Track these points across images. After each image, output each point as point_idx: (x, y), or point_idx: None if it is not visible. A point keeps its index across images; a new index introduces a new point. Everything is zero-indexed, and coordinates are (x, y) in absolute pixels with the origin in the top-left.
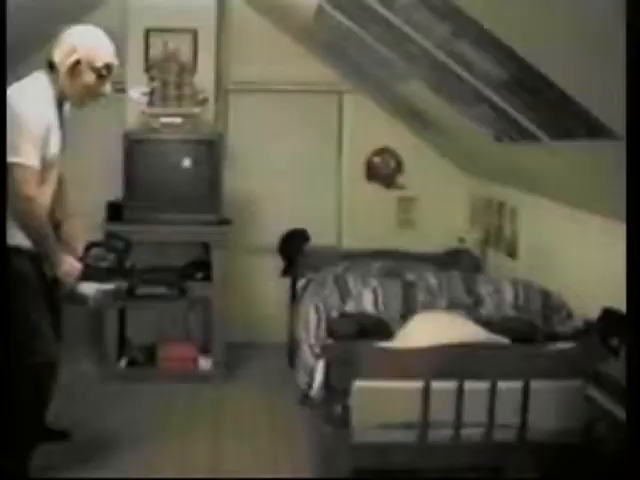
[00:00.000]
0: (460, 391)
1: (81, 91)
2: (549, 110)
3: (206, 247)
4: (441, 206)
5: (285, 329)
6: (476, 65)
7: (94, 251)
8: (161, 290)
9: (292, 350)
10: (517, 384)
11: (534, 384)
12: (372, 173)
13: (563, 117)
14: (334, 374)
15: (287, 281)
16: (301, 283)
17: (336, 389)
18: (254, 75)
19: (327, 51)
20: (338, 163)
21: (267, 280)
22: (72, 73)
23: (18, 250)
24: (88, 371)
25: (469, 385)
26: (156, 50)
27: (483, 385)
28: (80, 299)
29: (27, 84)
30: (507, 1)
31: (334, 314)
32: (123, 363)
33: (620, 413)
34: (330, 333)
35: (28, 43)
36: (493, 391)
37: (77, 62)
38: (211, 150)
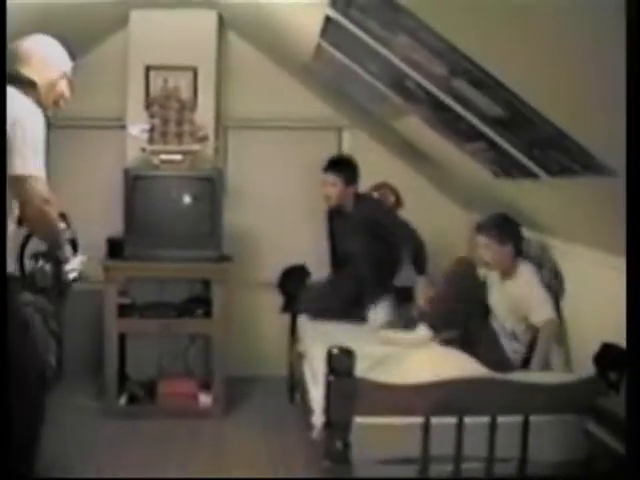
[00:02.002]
0: (460, 426)
1: (55, 100)
2: (546, 147)
3: (206, 283)
4: (439, 241)
5: (285, 364)
6: (473, 102)
7: None
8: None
9: (292, 385)
10: (517, 418)
11: (534, 418)
12: None
13: (560, 154)
14: (334, 410)
15: (287, 316)
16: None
17: (336, 425)
18: (254, 112)
19: (326, 88)
20: None
21: (267, 316)
22: (51, 86)
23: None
24: (88, 406)
25: (469, 420)
26: (156, 87)
27: (483, 420)
28: (69, 281)
29: (18, 96)
30: (504, 40)
31: (334, 350)
32: (123, 399)
33: (620, 448)
34: (330, 369)
35: None
36: (493, 425)
37: (59, 76)
38: (211, 186)
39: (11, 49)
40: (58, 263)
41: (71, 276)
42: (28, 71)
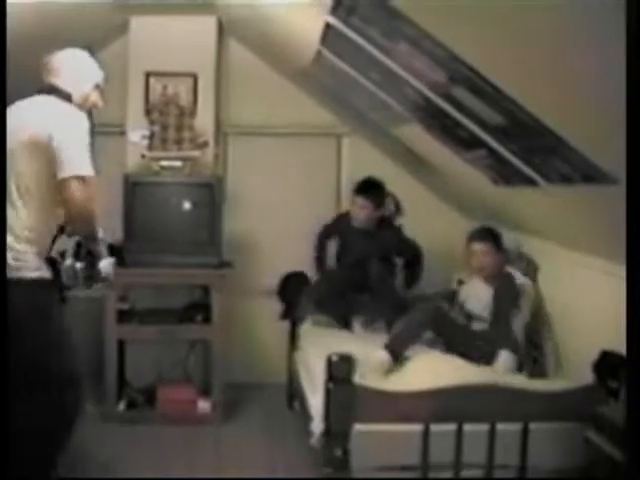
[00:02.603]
0: (460, 433)
1: (89, 110)
2: (545, 155)
3: (206, 289)
4: (440, 248)
5: (284, 371)
6: (473, 110)
7: None
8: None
9: (291, 392)
10: (516, 426)
11: (533, 426)
12: None
13: (559, 162)
14: (334, 417)
15: (287, 323)
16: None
17: (336, 432)
18: (253, 118)
19: (326, 94)
20: (337, 205)
21: (267, 322)
22: (85, 97)
23: (42, 282)
24: (87, 412)
25: (468, 427)
26: (156, 93)
27: (482, 427)
28: (102, 279)
29: (60, 102)
30: (503, 48)
31: (334, 357)
32: (122, 405)
33: (619, 456)
34: (330, 376)
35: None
36: (492, 433)
37: (92, 88)
38: (211, 193)
39: (44, 62)
40: (91, 261)
41: (103, 274)
42: (62, 83)
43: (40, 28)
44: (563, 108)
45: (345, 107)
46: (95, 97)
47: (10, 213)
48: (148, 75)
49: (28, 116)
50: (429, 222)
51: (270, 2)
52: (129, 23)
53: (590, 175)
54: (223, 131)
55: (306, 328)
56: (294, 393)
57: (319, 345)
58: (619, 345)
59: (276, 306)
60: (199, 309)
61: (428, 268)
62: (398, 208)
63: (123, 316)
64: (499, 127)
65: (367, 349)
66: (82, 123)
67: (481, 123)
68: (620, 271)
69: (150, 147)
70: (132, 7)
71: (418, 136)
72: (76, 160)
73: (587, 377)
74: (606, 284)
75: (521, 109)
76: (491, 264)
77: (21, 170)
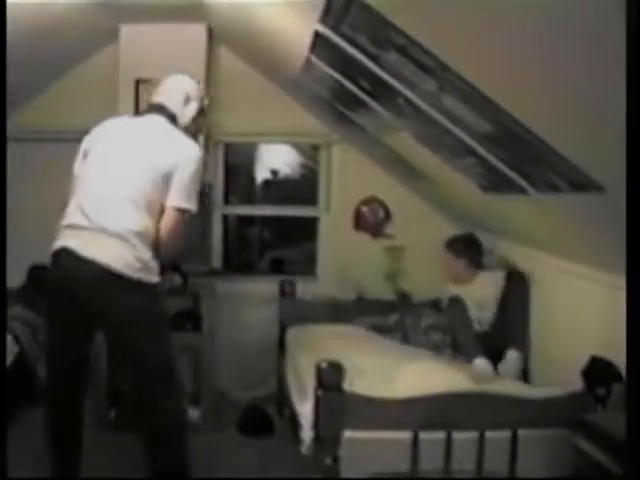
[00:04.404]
0: (449, 440)
1: (194, 134)
2: (534, 163)
3: (196, 297)
4: (429, 255)
5: (274, 378)
6: (462, 118)
7: None
8: None
9: (281, 399)
10: (505, 433)
11: (522, 433)
12: (360, 222)
13: (548, 170)
14: (323, 424)
15: (276, 330)
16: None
17: (326, 439)
18: (243, 125)
19: (315, 102)
20: (326, 212)
21: (256, 329)
22: (192, 120)
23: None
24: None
25: (457, 434)
26: (146, 101)
27: (472, 434)
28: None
29: (183, 137)
30: (492, 57)
31: (323, 364)
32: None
33: (606, 462)
34: (319, 383)
35: (21, 92)
36: (481, 440)
37: (200, 112)
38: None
39: (155, 81)
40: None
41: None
42: (170, 104)
43: (31, 35)
44: (552, 117)
45: (334, 114)
46: (201, 123)
47: (141, 221)
48: (138, 82)
49: (155, 141)
50: (418, 229)
51: (260, 10)
52: (119, 30)
53: (578, 183)
54: (213, 138)
55: (295, 334)
56: (284, 400)
57: (308, 351)
58: (607, 352)
59: (266, 312)
60: (189, 317)
61: (417, 274)
62: (387, 214)
63: None
64: (488, 135)
65: (357, 355)
66: (201, 163)
67: (470, 131)
68: (607, 278)
69: None
70: (122, 14)
71: (408, 144)
72: (186, 194)
73: (576, 384)
74: (594, 291)
75: (510, 117)
76: (457, 270)
77: (148, 188)
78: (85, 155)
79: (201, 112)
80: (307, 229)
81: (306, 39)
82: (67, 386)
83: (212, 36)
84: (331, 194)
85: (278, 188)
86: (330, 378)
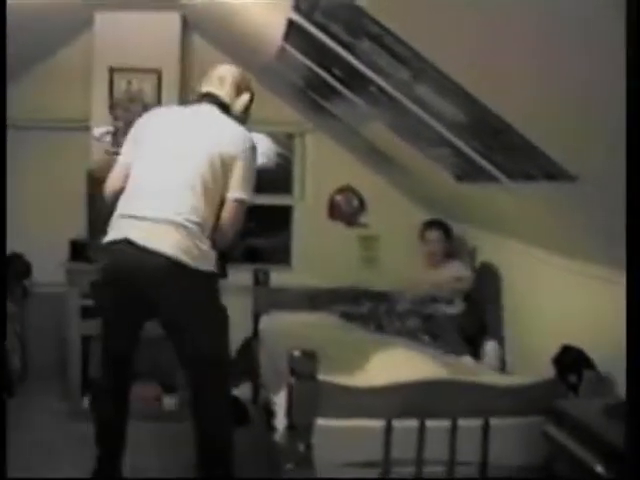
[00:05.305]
0: (422, 429)
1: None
2: (507, 152)
3: None
4: (403, 244)
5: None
6: (436, 108)
7: None
8: None
9: (256, 386)
10: (478, 421)
11: (494, 421)
12: (335, 211)
13: (520, 159)
14: (296, 412)
15: (250, 318)
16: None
17: (299, 427)
18: None
19: (290, 90)
20: (301, 201)
21: (231, 318)
22: (245, 110)
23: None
24: (52, 408)
25: (430, 423)
26: (120, 89)
27: (444, 423)
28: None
29: (244, 131)
30: (466, 46)
31: (296, 353)
32: (87, 401)
33: (577, 449)
34: (292, 371)
35: None
36: (454, 428)
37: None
38: None
39: (210, 72)
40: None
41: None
42: (224, 95)
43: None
44: (525, 106)
45: (309, 104)
46: (249, 113)
47: (201, 210)
48: (112, 71)
49: (211, 129)
50: (392, 218)
51: None
52: (94, 19)
53: (551, 172)
54: None
55: (268, 323)
56: (259, 387)
57: (282, 339)
58: (579, 340)
59: (240, 301)
60: None
61: (391, 262)
62: (362, 203)
63: (87, 312)
64: (462, 125)
65: (330, 343)
66: (256, 152)
67: (444, 121)
68: (580, 267)
69: (114, 143)
70: (97, 3)
71: (382, 133)
72: (246, 185)
73: (548, 372)
74: (566, 280)
75: (483, 107)
76: (440, 250)
77: (207, 178)
78: (136, 141)
79: (251, 102)
80: (282, 218)
81: (280, 27)
82: (117, 378)
83: (186, 24)
84: (305, 183)
85: None
86: (303, 366)
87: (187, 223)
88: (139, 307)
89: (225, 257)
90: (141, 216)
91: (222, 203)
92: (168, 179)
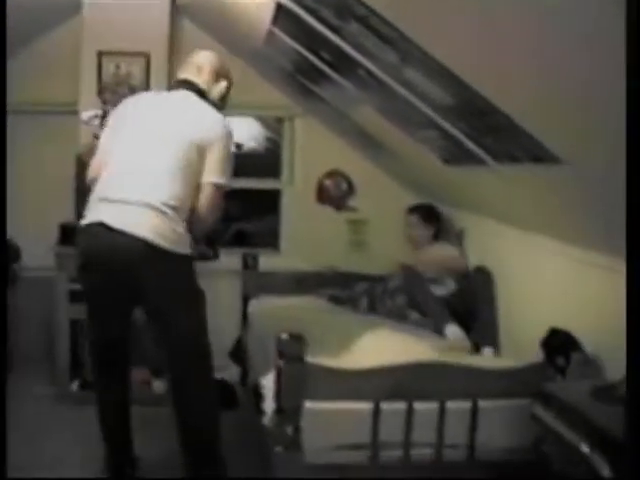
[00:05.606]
0: (409, 411)
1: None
2: (494, 134)
3: None
4: (392, 228)
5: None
6: (423, 90)
7: None
8: None
9: (245, 370)
10: (466, 404)
11: (482, 403)
12: (323, 195)
13: (508, 141)
14: (285, 395)
15: (239, 302)
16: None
17: (287, 410)
18: None
19: (278, 74)
20: (289, 185)
21: (221, 302)
22: (222, 97)
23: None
24: (40, 392)
25: (418, 405)
26: (109, 73)
27: (432, 405)
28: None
29: (216, 114)
30: (453, 28)
31: (284, 336)
32: (75, 385)
33: (565, 431)
34: (280, 354)
35: None
36: (442, 411)
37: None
38: None
39: (188, 59)
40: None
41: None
42: (201, 82)
43: None
44: (511, 88)
45: (298, 87)
46: (227, 100)
47: (177, 194)
48: (101, 54)
49: (188, 114)
50: (381, 202)
51: None
52: (82, 2)
53: (538, 155)
54: None
55: (257, 306)
56: (248, 370)
57: (271, 322)
58: (567, 323)
59: (230, 285)
60: None
61: (380, 245)
62: (351, 187)
63: (76, 296)
64: (449, 107)
65: (318, 326)
66: (233, 137)
67: (431, 103)
68: (568, 250)
69: (102, 127)
70: None
71: (370, 116)
72: (222, 170)
73: (536, 354)
74: (554, 263)
75: (470, 90)
76: (421, 234)
77: (184, 162)
78: (114, 128)
79: (229, 89)
80: (270, 202)
81: (268, 11)
82: (110, 363)
83: (175, 8)
84: (294, 167)
85: (243, 162)
86: (291, 349)
87: (163, 207)
88: (119, 290)
89: (213, 241)
90: (116, 199)
91: (199, 188)
92: (144, 163)
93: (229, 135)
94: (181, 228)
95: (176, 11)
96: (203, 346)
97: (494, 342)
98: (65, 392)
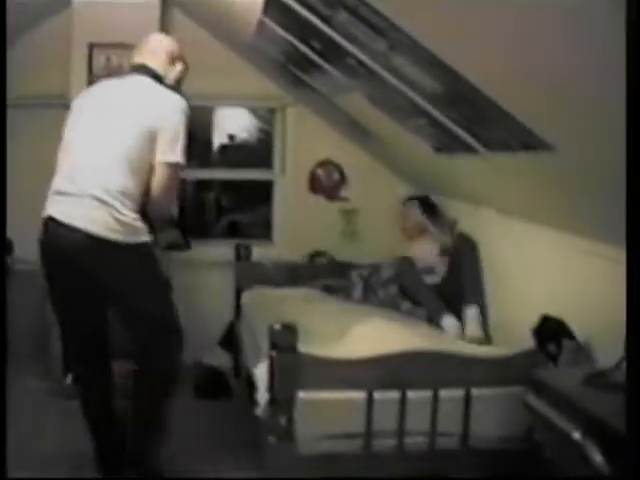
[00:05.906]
0: (403, 400)
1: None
2: (484, 122)
3: None
4: (384, 218)
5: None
6: (413, 78)
7: None
8: None
9: (238, 360)
10: (459, 392)
11: (475, 392)
12: (315, 185)
13: (497, 129)
14: (277, 385)
15: (232, 293)
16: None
17: (280, 400)
18: (197, 89)
19: (270, 64)
20: (281, 176)
21: (214, 293)
22: (178, 80)
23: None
24: (34, 386)
25: (411, 394)
26: (99, 65)
27: (425, 394)
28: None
29: (164, 90)
30: (443, 16)
31: (276, 326)
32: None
33: (557, 418)
34: (273, 344)
35: None
36: (435, 399)
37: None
38: None
39: (139, 44)
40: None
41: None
42: (156, 65)
43: None
44: (501, 76)
45: (289, 77)
46: (182, 83)
47: (121, 181)
48: (91, 46)
49: (138, 99)
50: (373, 191)
51: None
52: None
53: (529, 142)
54: None
55: (250, 297)
56: (240, 363)
57: (263, 313)
58: (558, 310)
59: (223, 278)
60: None
61: (372, 235)
62: (342, 176)
63: None
64: (439, 95)
65: (311, 316)
66: (185, 113)
67: (421, 92)
68: (559, 238)
69: None
70: None
71: (360, 105)
72: (172, 147)
73: (528, 342)
74: (545, 250)
75: (460, 77)
76: (414, 225)
77: (136, 149)
78: (72, 120)
79: (184, 73)
80: (263, 193)
81: (259, 1)
82: (89, 358)
83: (166, 0)
84: (286, 157)
85: (235, 152)
86: (283, 339)
87: (107, 197)
88: (76, 284)
89: (184, 230)
90: (66, 192)
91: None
92: (94, 154)
93: (182, 113)
94: (130, 217)
95: (167, 3)
96: (172, 329)
97: (478, 300)
98: (59, 386)
